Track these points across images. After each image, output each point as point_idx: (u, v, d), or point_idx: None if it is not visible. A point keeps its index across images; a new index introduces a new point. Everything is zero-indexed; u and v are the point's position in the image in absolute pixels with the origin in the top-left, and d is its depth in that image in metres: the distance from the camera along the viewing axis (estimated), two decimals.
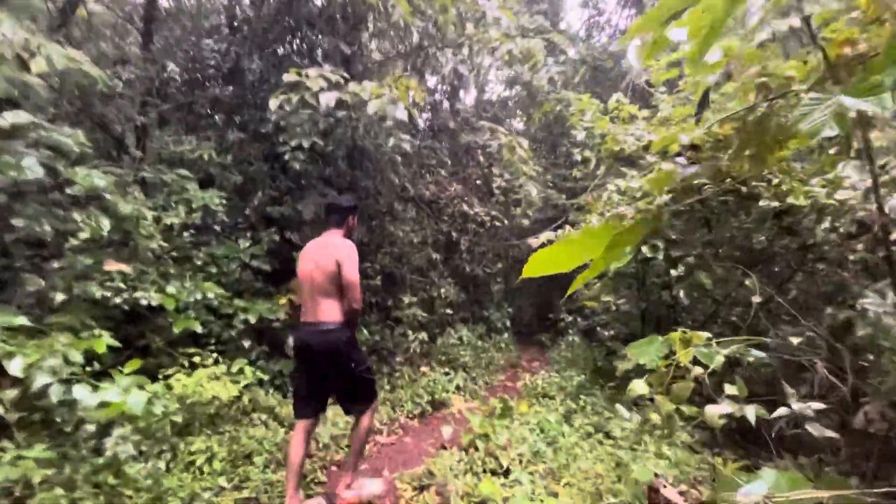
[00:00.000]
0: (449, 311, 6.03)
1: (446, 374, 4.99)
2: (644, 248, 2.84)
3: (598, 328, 6.41)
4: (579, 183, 9.37)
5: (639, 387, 1.56)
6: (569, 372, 5.32)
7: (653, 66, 5.88)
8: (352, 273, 2.33)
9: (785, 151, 2.68)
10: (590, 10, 12.51)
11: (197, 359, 3.12)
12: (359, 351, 2.51)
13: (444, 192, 6.93)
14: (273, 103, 3.25)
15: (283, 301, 4.30)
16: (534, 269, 0.88)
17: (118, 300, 2.80)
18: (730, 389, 1.44)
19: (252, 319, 3.58)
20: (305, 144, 3.90)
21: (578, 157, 8.23)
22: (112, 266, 2.80)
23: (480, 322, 7.98)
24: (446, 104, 8.07)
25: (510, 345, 7.63)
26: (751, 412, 1.39)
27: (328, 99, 3.21)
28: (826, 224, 3.24)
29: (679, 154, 2.87)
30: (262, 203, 4.69)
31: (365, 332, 4.53)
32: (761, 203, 3.29)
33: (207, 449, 2.57)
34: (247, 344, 3.57)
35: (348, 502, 2.42)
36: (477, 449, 3.02)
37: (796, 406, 1.50)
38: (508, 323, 8.21)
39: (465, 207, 6.58)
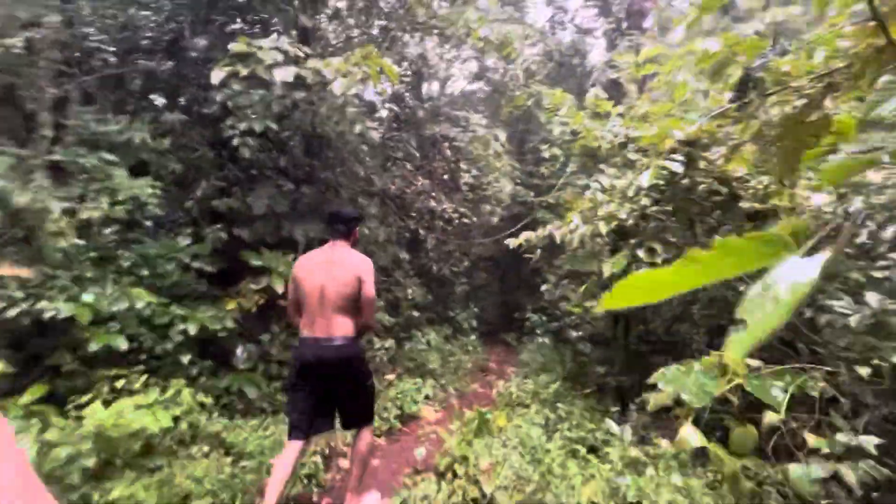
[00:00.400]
0: (416, 313, 5.68)
1: (414, 382, 4.65)
2: (641, 252, 2.63)
3: (568, 329, 6.28)
4: (546, 181, 9.29)
5: (692, 438, 1.28)
6: (542, 377, 5.11)
7: (622, 64, 5.75)
8: (372, 290, 2.30)
9: (818, 149, 2.56)
10: (554, 8, 12.46)
11: (120, 382, 2.59)
12: (368, 366, 2.48)
13: (411, 187, 6.55)
14: (216, 75, 2.75)
15: (231, 306, 3.79)
16: (620, 298, 0.55)
17: (13, 312, 2.24)
18: (813, 440, 1.20)
19: (192, 329, 3.07)
20: (257, 129, 3.42)
21: (546, 154, 8.10)
22: (6, 271, 2.24)
23: (446, 323, 7.68)
24: (408, 96, 7.66)
25: (477, 347, 7.38)
26: (851, 474, 1.16)
27: (284, 75, 2.75)
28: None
29: (673, 151, 2.68)
30: (207, 195, 4.14)
31: None
32: (743, 205, 3.17)
33: (131, 497, 2.09)
34: (186, 359, 3.06)
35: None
36: (455, 474, 2.70)
37: (845, 438, 1.29)
38: (475, 323, 7.97)
39: (433, 203, 6.24)
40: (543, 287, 6.33)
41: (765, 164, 3.18)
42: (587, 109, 4.81)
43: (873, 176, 3.02)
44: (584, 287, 3.34)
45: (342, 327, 2.24)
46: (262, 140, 4.58)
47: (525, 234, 3.69)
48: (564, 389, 4.37)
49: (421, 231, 6.08)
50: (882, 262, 3.10)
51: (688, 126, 2.84)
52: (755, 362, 1.30)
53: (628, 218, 2.97)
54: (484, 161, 7.22)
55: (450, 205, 6.35)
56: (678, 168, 2.52)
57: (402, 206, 6.33)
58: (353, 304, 2.27)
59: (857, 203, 3.24)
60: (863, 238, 3.12)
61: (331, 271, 2.26)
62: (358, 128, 3.78)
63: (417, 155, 6.12)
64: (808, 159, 1.65)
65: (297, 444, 2.19)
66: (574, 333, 6.36)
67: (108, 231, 3.05)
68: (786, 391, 1.20)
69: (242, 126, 3.41)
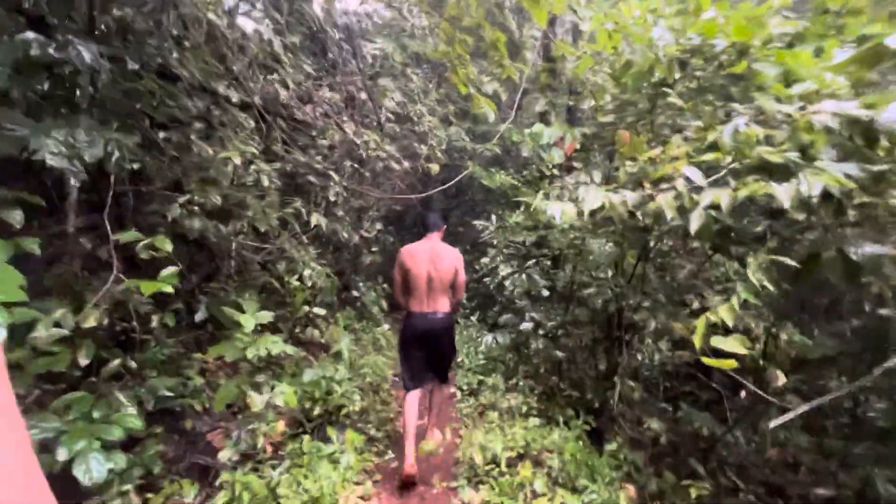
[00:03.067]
0: (317, 309, 3.49)
1: (324, 441, 2.59)
2: None
3: (529, 326, 4.73)
4: (481, 125, 7.43)
5: None
6: (514, 400, 3.52)
7: None
8: (464, 275, 2.97)
9: None
10: None
11: None
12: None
13: (309, 104, 4.10)
14: None
15: None
16: None
17: None
18: None
19: None
20: None
21: (488, 88, 6.23)
22: None
23: (348, 307, 5.58)
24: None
25: (391, 339, 5.47)
26: None
27: None
28: None
29: None
30: None
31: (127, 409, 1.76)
32: None
33: None
34: None
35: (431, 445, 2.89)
36: None
37: None
38: (386, 305, 6.00)
39: (347, 131, 3.92)
40: (504, 274, 4.64)
41: None
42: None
43: None
44: (726, 305, 1.66)
45: (443, 304, 2.87)
46: None
47: (559, 206, 1.83)
48: (580, 443, 2.80)
49: (332, 174, 3.74)
50: None
51: None
52: None
53: None
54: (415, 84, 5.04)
55: (371, 136, 4.09)
56: None
57: (296, 130, 3.89)
58: (451, 286, 2.90)
59: None
60: None
61: (434, 261, 2.83)
62: None
63: (338, 52, 3.70)
64: None
65: (416, 394, 2.83)
66: (525, 326, 4.87)
67: None
68: None
69: None
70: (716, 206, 1.79)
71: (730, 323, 1.63)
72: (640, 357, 4.04)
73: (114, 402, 1.77)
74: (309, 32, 4.17)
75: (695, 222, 1.73)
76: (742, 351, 1.66)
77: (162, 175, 2.71)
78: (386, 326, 5.55)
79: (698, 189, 1.83)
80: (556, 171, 4.85)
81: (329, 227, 4.43)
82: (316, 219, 3.06)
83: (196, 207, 2.47)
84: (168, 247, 1.59)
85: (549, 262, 4.89)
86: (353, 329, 5.03)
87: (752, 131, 1.71)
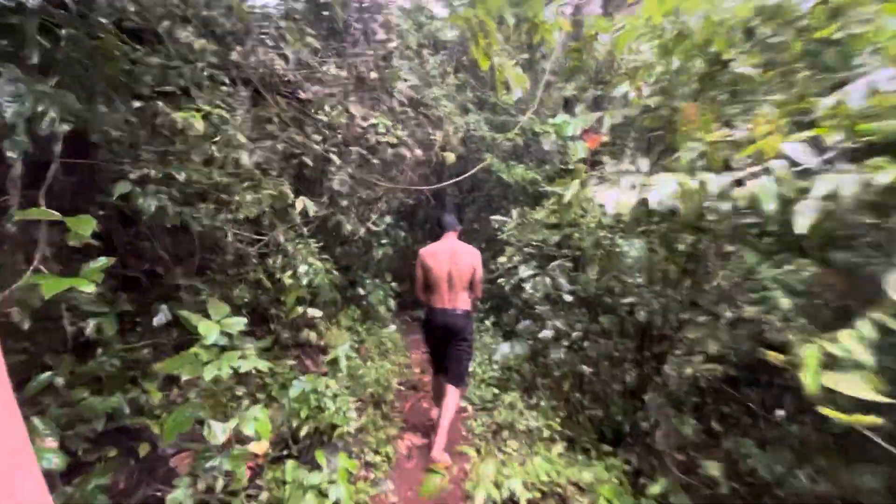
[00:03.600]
0: (312, 311, 3.08)
1: (312, 467, 2.19)
2: None
3: (561, 341, 4.27)
4: (498, 115, 6.96)
5: None
6: (535, 421, 3.07)
7: None
8: (481, 273, 3.10)
9: None
10: None
11: None
12: (472, 332, 3.22)
13: (312, 80, 3.69)
14: None
15: None
16: None
17: None
18: None
19: None
20: None
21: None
22: None
23: (352, 305, 5.18)
24: None
25: (398, 342, 5.06)
26: None
27: None
28: None
29: None
30: None
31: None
32: None
33: None
34: None
35: (442, 464, 2.71)
36: None
37: None
38: (393, 305, 5.58)
39: (355, 114, 3.50)
40: (524, 276, 4.17)
41: None
42: None
43: None
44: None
45: (462, 301, 3.04)
46: None
47: (670, 182, 1.39)
48: (604, 475, 2.35)
49: (333, 157, 3.32)
50: None
51: None
52: None
53: None
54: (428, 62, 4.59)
55: (381, 119, 3.67)
56: None
57: (299, 110, 3.48)
58: (469, 284, 3.05)
59: None
60: None
61: (454, 260, 3.00)
62: None
63: (345, 28, 3.29)
64: None
65: (440, 376, 3.16)
66: (546, 334, 4.40)
67: None
68: None
69: None
70: (829, 197, 1.32)
71: (861, 357, 1.17)
72: (667, 369, 3.59)
73: (33, 429, 1.38)
74: (316, 2, 3.76)
75: (804, 217, 1.27)
76: (869, 395, 1.20)
77: (136, 148, 2.33)
78: (393, 328, 5.14)
79: (803, 173, 1.37)
80: (580, 167, 4.37)
81: (333, 218, 4.03)
82: (302, 202, 2.64)
83: (169, 188, 2.07)
84: (88, 229, 1.20)
85: (570, 265, 4.44)
86: (356, 331, 4.63)
87: (890, 96, 1.24)
